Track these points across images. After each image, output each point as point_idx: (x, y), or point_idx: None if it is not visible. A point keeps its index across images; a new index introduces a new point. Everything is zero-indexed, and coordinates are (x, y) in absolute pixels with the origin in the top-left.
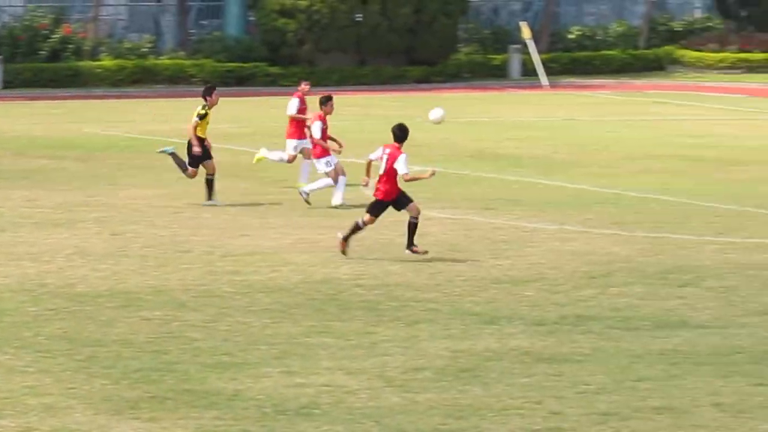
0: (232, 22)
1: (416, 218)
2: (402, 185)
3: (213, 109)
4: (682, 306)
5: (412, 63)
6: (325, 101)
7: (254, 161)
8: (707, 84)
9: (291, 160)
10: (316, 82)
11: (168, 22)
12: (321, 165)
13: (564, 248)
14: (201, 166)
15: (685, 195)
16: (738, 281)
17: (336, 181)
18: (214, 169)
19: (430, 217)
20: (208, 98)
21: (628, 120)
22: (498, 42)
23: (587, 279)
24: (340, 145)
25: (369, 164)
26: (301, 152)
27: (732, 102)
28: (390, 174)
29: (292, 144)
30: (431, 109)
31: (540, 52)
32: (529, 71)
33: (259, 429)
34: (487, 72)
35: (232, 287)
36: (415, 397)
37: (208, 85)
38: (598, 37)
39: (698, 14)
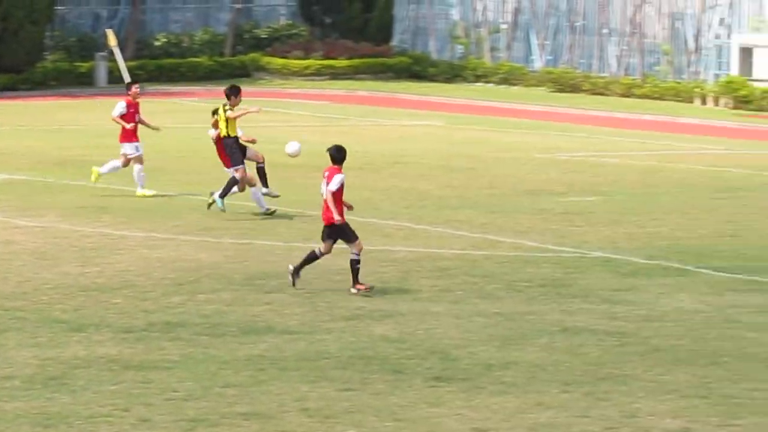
0: None
1: (357, 255)
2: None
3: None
4: (269, 312)
5: None
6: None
7: (93, 180)
8: (292, 90)
9: (126, 164)
10: None
11: None
12: (230, 171)
13: (152, 255)
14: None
15: (271, 201)
16: (324, 286)
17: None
18: (246, 177)
19: (18, 226)
20: (233, 98)
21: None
22: (84, 49)
23: (175, 286)
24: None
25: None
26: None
27: (316, 108)
28: (334, 197)
29: (132, 146)
30: (288, 143)
31: (126, 59)
32: (115, 79)
33: None
34: (74, 79)
35: None
36: (3, 405)
37: (233, 85)
38: (184, 45)
39: (283, 21)
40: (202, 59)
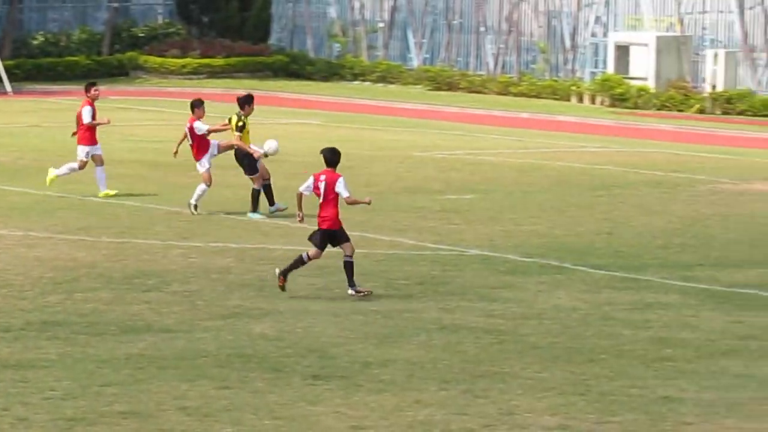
0: None
1: (351, 257)
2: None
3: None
4: (147, 310)
5: None
6: (249, 101)
7: (48, 183)
8: (170, 89)
9: (82, 166)
10: None
11: None
12: (198, 166)
13: (30, 254)
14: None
15: (149, 200)
16: (202, 285)
17: (208, 183)
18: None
19: None
20: (247, 107)
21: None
22: None
23: (53, 285)
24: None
25: (300, 198)
26: (92, 159)
27: None
28: (332, 201)
29: (83, 150)
30: (267, 141)
31: (3, 58)
32: None
33: None
34: None
35: None
36: None
37: (248, 94)
38: (62, 44)
39: (161, 20)
40: (80, 58)
